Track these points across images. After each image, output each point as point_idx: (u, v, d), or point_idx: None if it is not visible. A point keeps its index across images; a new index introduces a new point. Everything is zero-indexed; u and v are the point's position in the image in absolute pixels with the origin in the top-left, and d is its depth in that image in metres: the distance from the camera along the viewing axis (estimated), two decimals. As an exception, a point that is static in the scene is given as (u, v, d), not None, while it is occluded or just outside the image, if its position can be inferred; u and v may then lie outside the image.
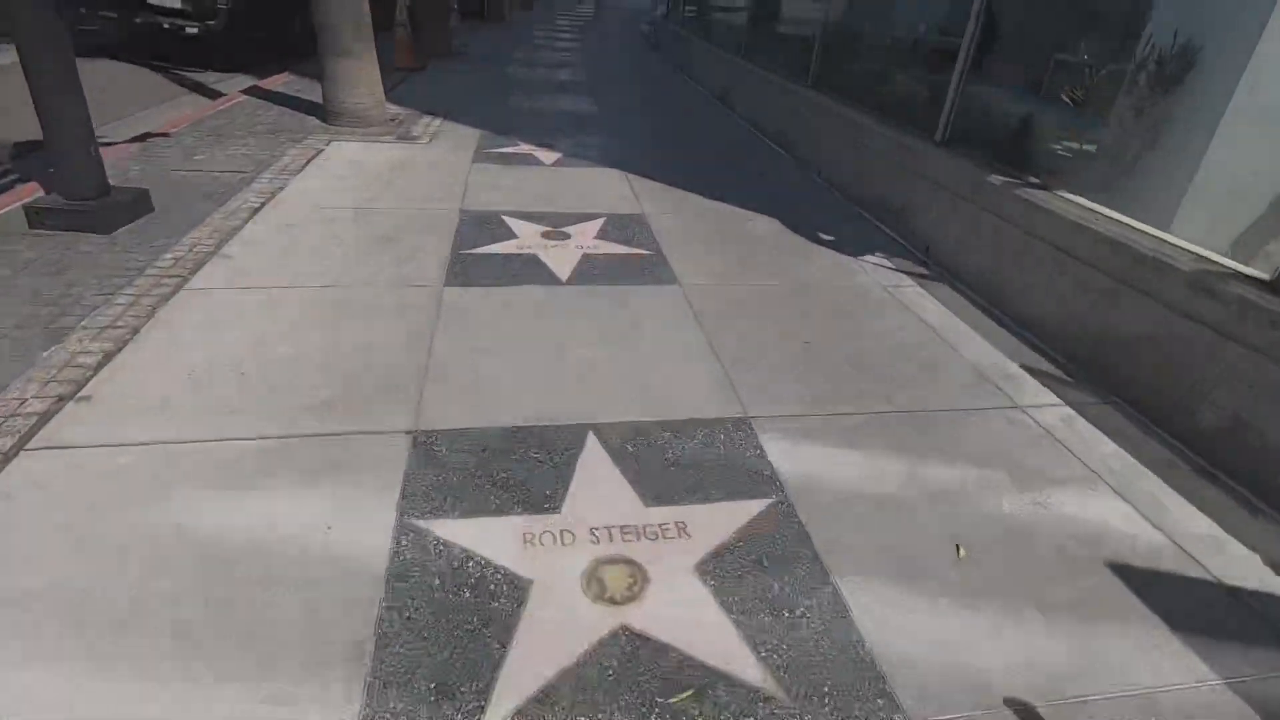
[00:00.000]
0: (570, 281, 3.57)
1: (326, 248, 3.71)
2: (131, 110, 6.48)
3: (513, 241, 3.99)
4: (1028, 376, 3.04)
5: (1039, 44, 3.94)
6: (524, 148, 6.00)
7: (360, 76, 6.12)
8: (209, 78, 8.69)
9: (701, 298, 3.50)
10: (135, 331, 2.82)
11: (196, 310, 3.02)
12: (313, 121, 6.30)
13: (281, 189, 4.52)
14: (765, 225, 4.62)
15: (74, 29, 3.90)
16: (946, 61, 4.29)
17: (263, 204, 4.23)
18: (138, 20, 8.54)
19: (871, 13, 5.95)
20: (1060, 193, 3.41)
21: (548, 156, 5.77)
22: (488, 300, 3.30)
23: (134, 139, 5.38)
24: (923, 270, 4.09)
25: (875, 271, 4.03)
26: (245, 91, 7.49)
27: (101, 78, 7.73)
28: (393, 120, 6.57)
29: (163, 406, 2.39)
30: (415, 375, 2.66)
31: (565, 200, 4.74)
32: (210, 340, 2.80)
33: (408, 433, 2.35)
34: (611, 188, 5.13)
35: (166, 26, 8.57)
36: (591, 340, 3.03)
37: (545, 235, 4.12)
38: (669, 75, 11.06)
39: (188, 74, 8.73)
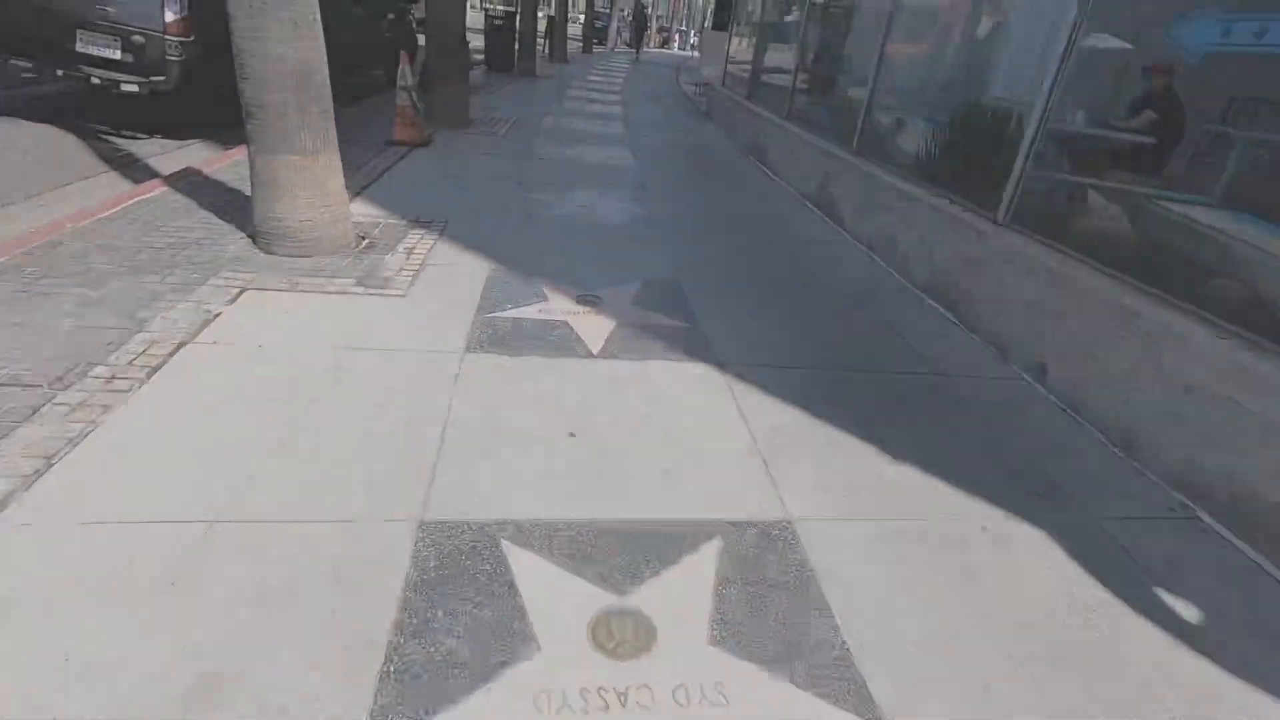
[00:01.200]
0: None
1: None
2: (-26, 212, 4.36)
3: (524, 670, 1.69)
4: None
5: None
6: (553, 306, 3.77)
7: (310, 181, 3.96)
8: (151, 148, 6.69)
9: None
10: None
11: None
12: (237, 242, 4.13)
13: (88, 433, 2.28)
14: (1035, 556, 2.29)
15: None
16: None
17: (20, 487, 1.98)
18: (59, 73, 6.57)
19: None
20: None
21: (592, 331, 3.51)
22: None
23: (-92, 285, 3.21)
24: None
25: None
26: (172, 178, 5.40)
27: (-16, 151, 5.71)
28: (361, 240, 4.39)
29: None
30: None
31: (629, 473, 2.45)
32: None
33: None
34: (710, 424, 2.83)
35: (96, 82, 6.59)
36: None
37: (597, 631, 1.81)
38: (734, 159, 8.94)
39: (125, 142, 6.75)
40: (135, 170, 5.95)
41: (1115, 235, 3.61)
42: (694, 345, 3.48)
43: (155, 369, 2.73)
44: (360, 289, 3.71)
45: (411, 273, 4.02)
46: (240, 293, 3.49)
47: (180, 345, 2.93)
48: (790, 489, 2.47)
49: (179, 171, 5.69)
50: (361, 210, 5.04)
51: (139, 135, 6.99)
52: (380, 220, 4.88)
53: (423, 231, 4.76)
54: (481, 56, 16.31)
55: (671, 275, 4.45)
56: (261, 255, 4.00)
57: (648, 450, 2.59)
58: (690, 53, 38.06)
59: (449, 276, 4.03)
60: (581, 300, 3.88)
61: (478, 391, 2.85)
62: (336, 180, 4.15)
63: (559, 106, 11.95)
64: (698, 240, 5.27)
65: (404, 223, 4.89)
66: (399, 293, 3.72)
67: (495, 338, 3.32)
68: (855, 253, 5.36)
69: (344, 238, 4.22)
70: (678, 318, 3.81)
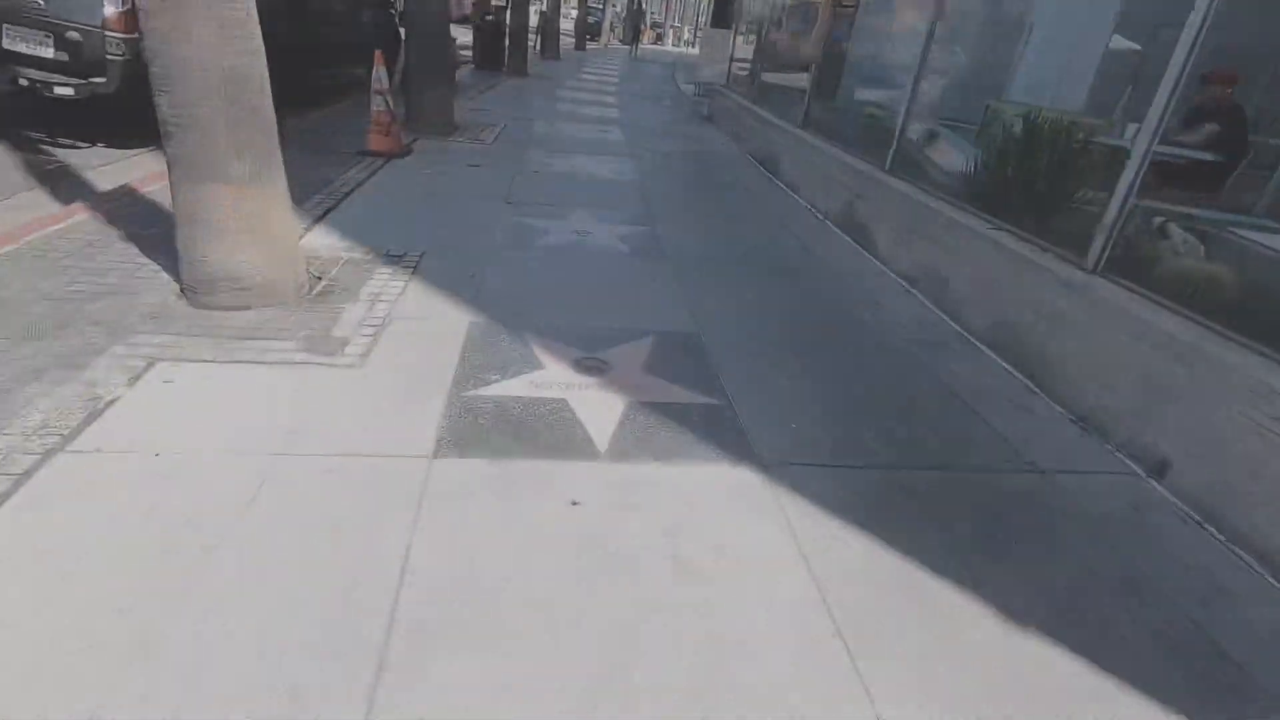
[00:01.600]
0: None
1: None
2: None
3: None
4: None
5: None
6: (547, 375, 3.03)
7: (247, 216, 3.21)
8: (90, 159, 5.91)
9: None
10: None
11: None
12: (159, 290, 3.37)
13: None
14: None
15: None
16: None
17: None
18: (-19, 74, 5.77)
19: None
20: None
21: (597, 414, 2.78)
22: None
23: None
24: None
25: None
26: (100, 200, 4.62)
27: None
28: (317, 282, 3.63)
29: None
30: None
31: (660, 673, 1.71)
32: None
33: None
34: (761, 570, 2.09)
35: (25, 84, 5.79)
36: None
37: None
38: (743, 170, 8.22)
39: (61, 153, 5.97)
40: (67, 186, 5.16)
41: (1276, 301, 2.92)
42: (726, 434, 2.75)
43: None
44: (306, 356, 2.96)
45: (374, 329, 3.27)
46: (148, 366, 2.73)
47: (47, 455, 2.18)
48: (884, 687, 1.75)
49: (112, 190, 4.93)
50: (321, 241, 4.28)
51: (78, 144, 6.20)
52: (343, 254, 4.12)
53: (392, 268, 4.00)
54: (469, 54, 15.51)
55: (689, 326, 3.72)
56: (187, 308, 3.24)
57: (682, 627, 1.86)
58: (685, 50, 37.35)
59: (420, 333, 3.29)
60: (583, 366, 3.15)
61: (447, 527, 2.11)
62: (282, 213, 3.39)
63: (552, 109, 11.18)
64: (714, 276, 4.53)
65: (371, 257, 4.14)
66: (355, 361, 2.97)
67: (474, 430, 2.58)
68: (895, 290, 4.64)
69: (293, 283, 3.46)
70: (702, 390, 3.08)
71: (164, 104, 2.99)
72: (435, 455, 2.41)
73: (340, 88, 9.48)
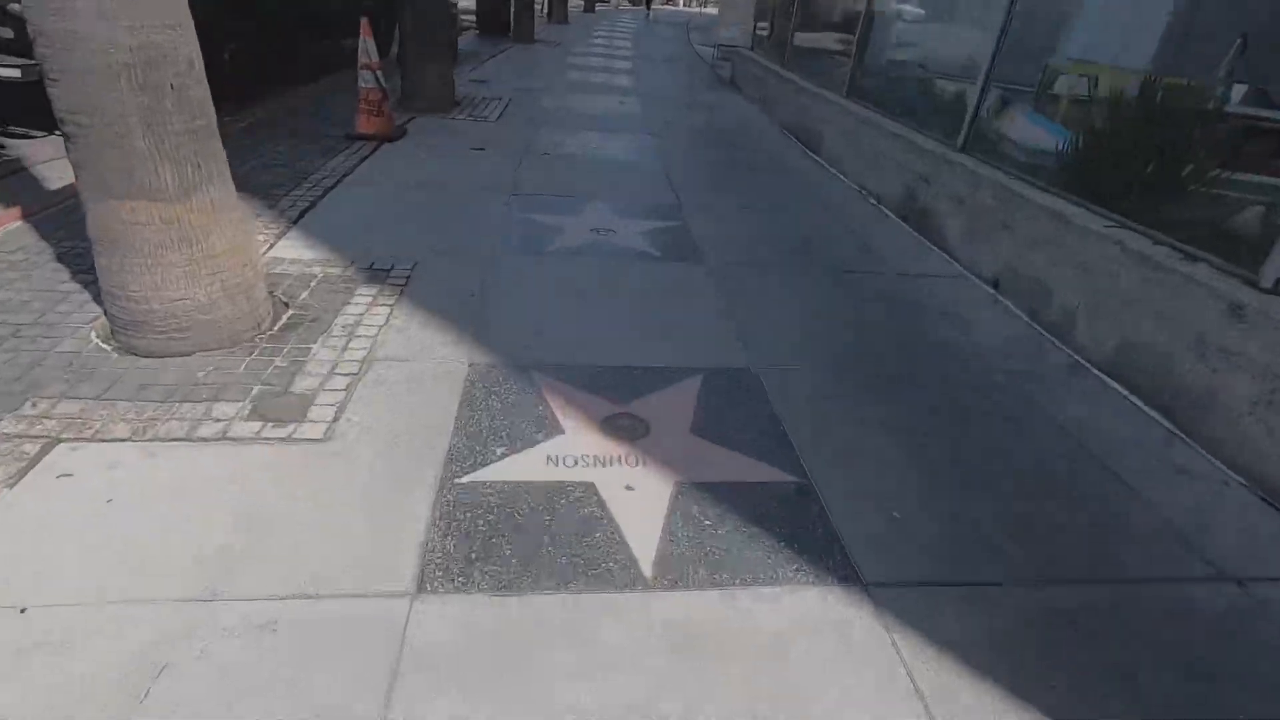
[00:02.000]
0: None
1: None
2: None
3: None
4: None
5: None
6: (568, 444, 2.33)
7: (179, 239, 2.50)
8: (45, 150, 5.25)
9: None
10: None
11: None
12: (80, 331, 2.70)
13: None
14: None
15: None
16: None
17: None
18: (-88, 55, 5.07)
19: None
20: None
21: (636, 509, 2.08)
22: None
23: None
24: None
25: None
26: (42, 203, 3.95)
27: None
28: (284, 310, 2.93)
29: None
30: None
31: None
32: None
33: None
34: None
35: (-38, 66, 5.09)
36: None
37: None
38: (776, 145, 7.37)
39: (14, 144, 5.31)
40: (8, 186, 4.50)
41: None
42: (811, 533, 2.05)
43: None
44: (254, 427, 2.28)
45: (348, 378, 2.58)
46: (44, 450, 2.07)
47: None
48: None
49: (60, 190, 4.25)
50: (293, 253, 3.58)
51: (31, 134, 5.52)
52: (317, 270, 3.42)
53: (377, 287, 3.30)
54: (471, 19, 14.56)
55: (741, 359, 3.00)
56: (111, 356, 2.57)
57: None
58: (698, 10, 35.90)
59: (406, 382, 2.59)
60: (613, 427, 2.44)
61: (430, 728, 1.44)
62: (230, 231, 2.68)
63: (562, 78, 10.29)
64: (761, 284, 3.79)
65: (351, 271, 3.44)
66: (319, 431, 2.29)
67: (471, 543, 1.90)
68: (979, 299, 3.87)
69: (248, 317, 2.77)
70: (770, 457, 2.37)
71: (57, 97, 2.28)
72: (418, 590, 1.74)
73: (332, 60, 8.69)
